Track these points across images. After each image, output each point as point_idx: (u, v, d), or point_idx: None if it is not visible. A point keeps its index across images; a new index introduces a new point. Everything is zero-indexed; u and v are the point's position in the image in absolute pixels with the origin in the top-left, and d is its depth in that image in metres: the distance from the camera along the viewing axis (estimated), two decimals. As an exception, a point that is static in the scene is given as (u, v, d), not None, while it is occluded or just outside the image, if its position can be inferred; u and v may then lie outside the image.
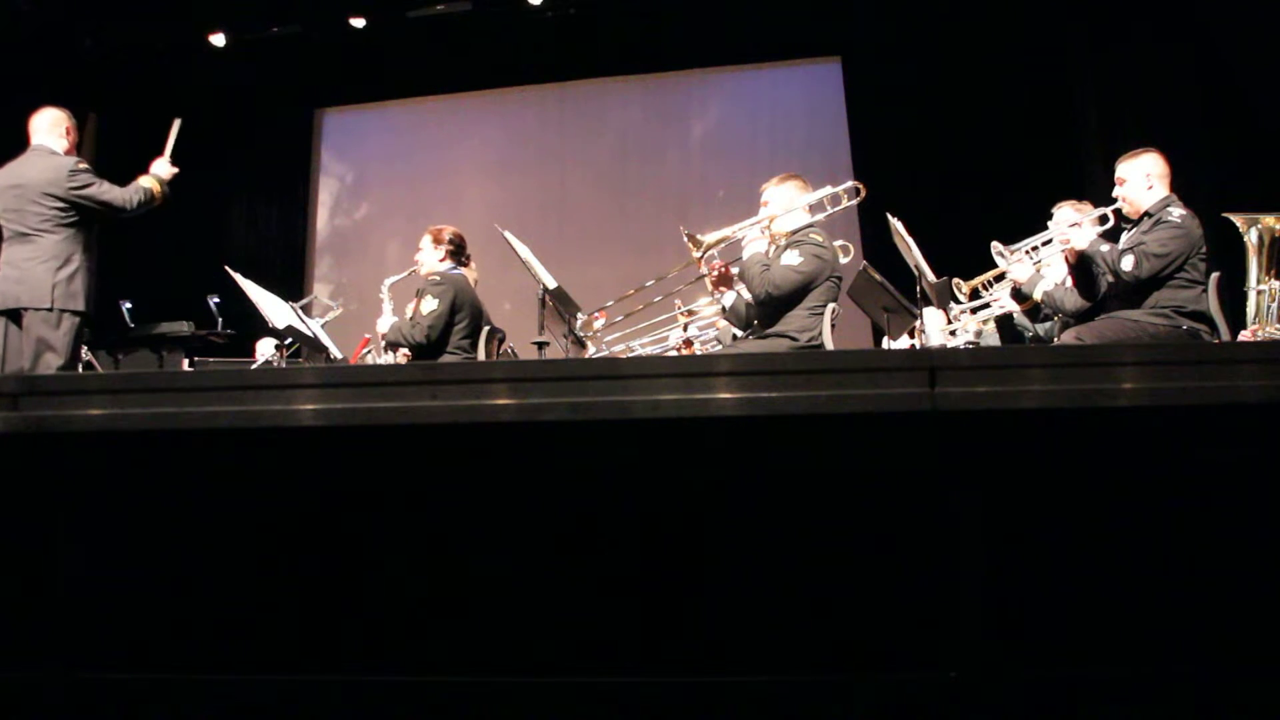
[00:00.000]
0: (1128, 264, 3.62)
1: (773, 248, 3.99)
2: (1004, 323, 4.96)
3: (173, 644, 2.14)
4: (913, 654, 1.99)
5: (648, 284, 4.62)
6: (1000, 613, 1.99)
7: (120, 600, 2.17)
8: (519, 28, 8.59)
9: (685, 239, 3.97)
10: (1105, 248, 3.75)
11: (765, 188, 4.13)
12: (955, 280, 4.39)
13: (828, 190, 4.06)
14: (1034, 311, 4.63)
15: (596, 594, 2.08)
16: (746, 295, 4.12)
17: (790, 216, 4.04)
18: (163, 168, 4.54)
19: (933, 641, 1.98)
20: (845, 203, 4.08)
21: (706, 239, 3.98)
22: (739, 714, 2.00)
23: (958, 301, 4.80)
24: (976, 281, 4.49)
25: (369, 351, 5.50)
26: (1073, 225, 3.90)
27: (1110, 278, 3.69)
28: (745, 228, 4.04)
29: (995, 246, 4.05)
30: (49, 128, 4.40)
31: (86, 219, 4.32)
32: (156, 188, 4.47)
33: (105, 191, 4.30)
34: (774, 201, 4.08)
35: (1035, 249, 4.15)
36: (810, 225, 4.02)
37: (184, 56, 8.65)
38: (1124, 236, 3.88)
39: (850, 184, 4.09)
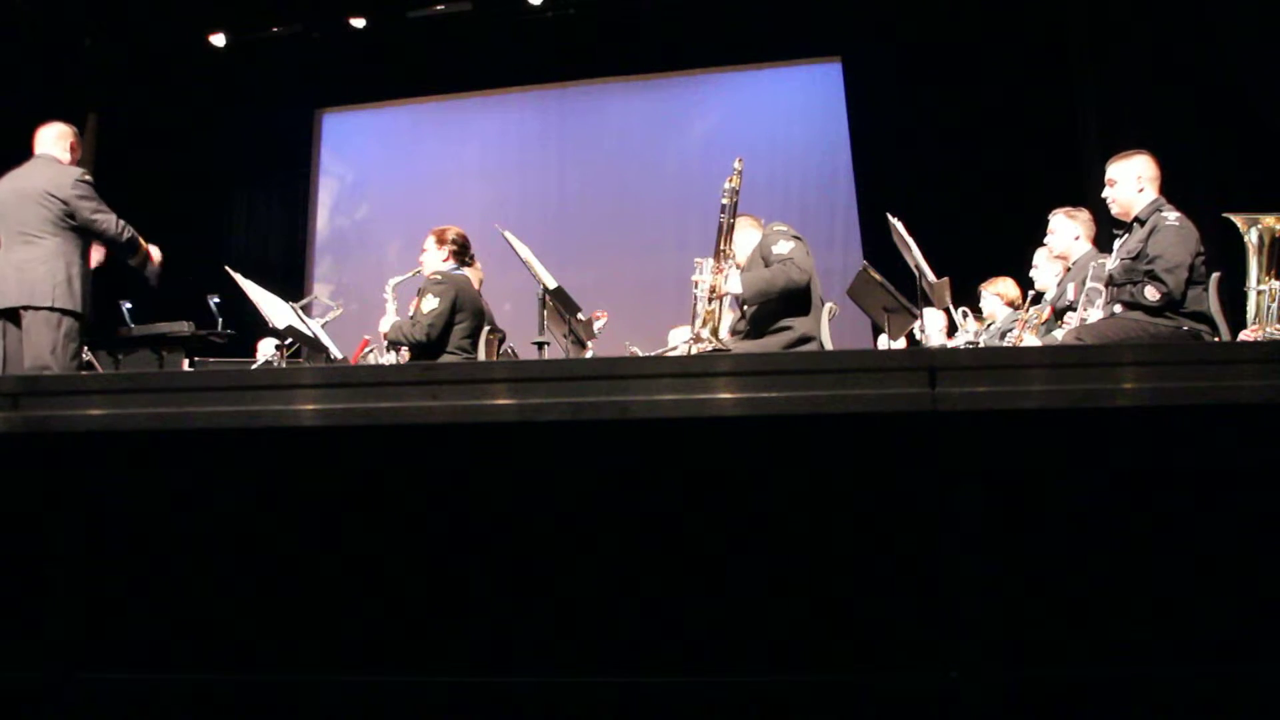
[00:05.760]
0: (1152, 294, 3.58)
1: (739, 270, 4.07)
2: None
3: (173, 644, 2.14)
4: (913, 654, 1.99)
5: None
6: (1000, 613, 1.98)
7: (120, 600, 2.17)
8: (519, 28, 8.59)
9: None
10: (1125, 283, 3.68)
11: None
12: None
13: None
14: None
15: (596, 594, 2.08)
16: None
17: (744, 246, 4.18)
18: (156, 253, 4.59)
19: (933, 641, 1.98)
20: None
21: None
22: (739, 714, 1.99)
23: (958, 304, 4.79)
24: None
25: (371, 351, 5.50)
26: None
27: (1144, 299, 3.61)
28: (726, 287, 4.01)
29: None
30: (54, 140, 4.44)
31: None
32: (150, 250, 4.50)
33: (100, 210, 4.32)
34: (738, 249, 4.15)
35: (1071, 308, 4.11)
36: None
37: (184, 56, 8.66)
38: (1116, 244, 3.85)
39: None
